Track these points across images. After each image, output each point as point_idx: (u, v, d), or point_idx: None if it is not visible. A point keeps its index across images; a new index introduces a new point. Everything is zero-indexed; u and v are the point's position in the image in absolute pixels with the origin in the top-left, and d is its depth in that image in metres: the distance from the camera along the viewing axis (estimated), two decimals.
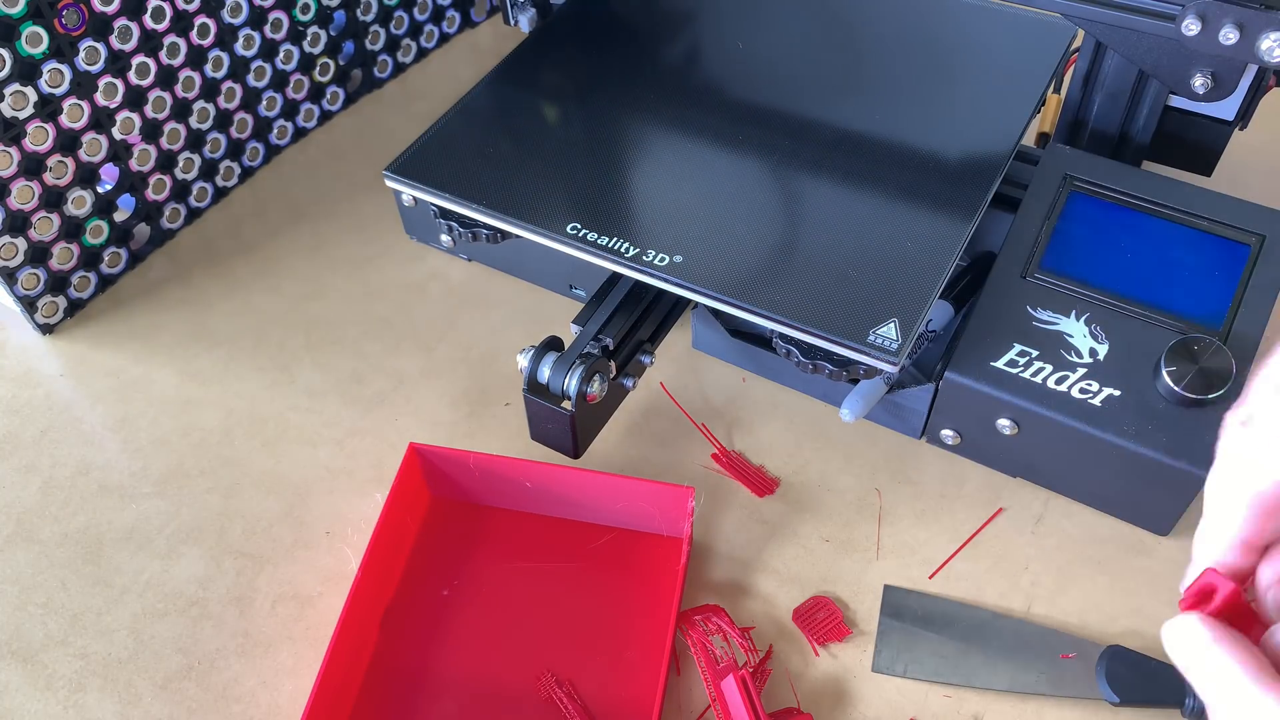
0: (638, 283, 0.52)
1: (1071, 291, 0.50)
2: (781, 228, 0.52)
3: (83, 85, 0.58)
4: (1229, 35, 0.45)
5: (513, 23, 0.66)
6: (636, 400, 0.56)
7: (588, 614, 0.48)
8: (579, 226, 0.52)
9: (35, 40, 0.55)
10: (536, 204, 0.53)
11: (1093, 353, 0.48)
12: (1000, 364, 0.49)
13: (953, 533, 0.51)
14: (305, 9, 0.69)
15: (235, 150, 0.69)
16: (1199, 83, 0.49)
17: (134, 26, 0.59)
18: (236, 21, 0.65)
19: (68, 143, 0.59)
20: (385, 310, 0.63)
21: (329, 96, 0.74)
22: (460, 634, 0.48)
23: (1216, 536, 0.32)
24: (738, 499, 0.52)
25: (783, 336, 0.49)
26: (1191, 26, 0.46)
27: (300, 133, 0.73)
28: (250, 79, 0.68)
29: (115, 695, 0.47)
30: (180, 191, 0.67)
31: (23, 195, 0.57)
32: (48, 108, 0.57)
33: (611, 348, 0.50)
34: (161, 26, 0.61)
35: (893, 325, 0.47)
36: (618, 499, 0.50)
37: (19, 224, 0.58)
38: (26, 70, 0.55)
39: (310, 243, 0.67)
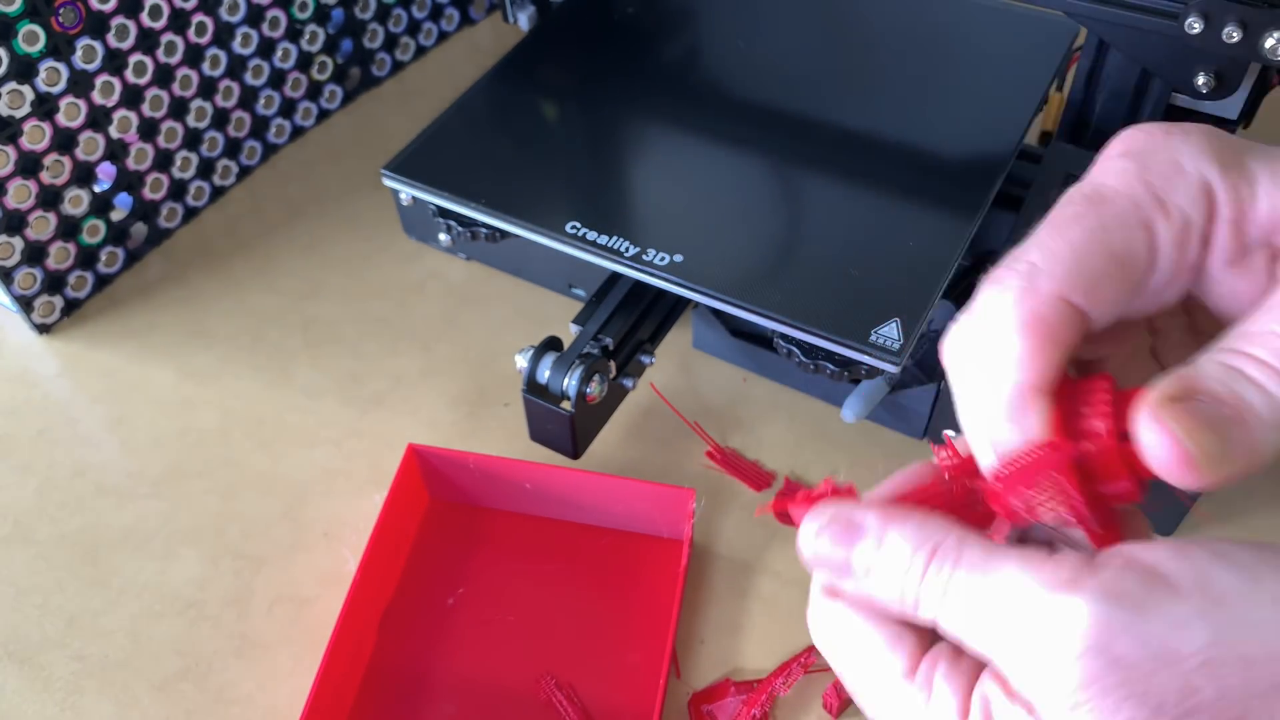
0: (638, 282, 0.52)
1: None
2: (783, 227, 0.52)
3: (80, 84, 0.58)
4: (1232, 34, 0.45)
5: (512, 20, 0.66)
6: (636, 401, 0.56)
7: (588, 617, 0.48)
8: (578, 225, 0.52)
9: (32, 38, 0.54)
10: (535, 203, 0.53)
11: None
12: None
13: None
14: (303, 7, 0.68)
15: (233, 149, 0.69)
16: (1202, 81, 0.49)
17: (131, 25, 0.59)
18: (234, 19, 0.65)
19: (64, 141, 0.58)
20: (383, 310, 0.62)
21: (327, 95, 0.74)
22: (459, 636, 0.48)
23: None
24: (738, 500, 0.52)
25: (784, 336, 0.49)
26: (1194, 25, 0.45)
27: (298, 131, 0.73)
28: (248, 77, 0.67)
29: (112, 697, 0.46)
30: (177, 190, 0.67)
31: (19, 194, 0.57)
32: (44, 106, 0.56)
33: (611, 348, 0.50)
34: (159, 24, 0.61)
35: (895, 325, 0.47)
36: (618, 501, 0.49)
37: (15, 223, 0.57)
38: (23, 69, 0.55)
39: (308, 242, 0.66)
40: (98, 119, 0.60)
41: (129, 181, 0.63)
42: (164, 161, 0.65)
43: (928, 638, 0.24)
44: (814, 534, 0.24)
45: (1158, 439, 0.21)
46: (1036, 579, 0.21)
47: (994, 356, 0.23)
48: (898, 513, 0.24)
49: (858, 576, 0.24)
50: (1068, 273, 0.23)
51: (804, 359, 0.48)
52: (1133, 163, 0.23)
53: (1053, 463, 0.22)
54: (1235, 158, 0.23)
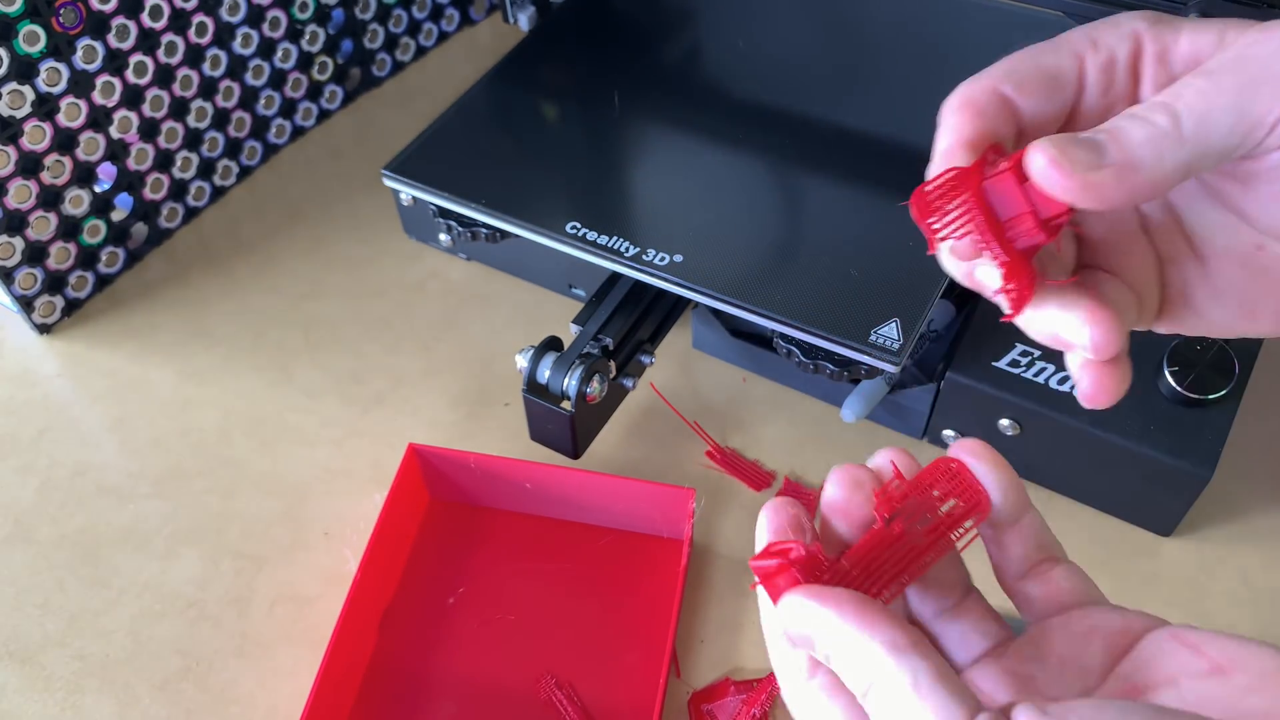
0: (638, 282, 0.52)
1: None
2: (782, 227, 0.52)
3: (80, 84, 0.58)
4: None
5: (512, 21, 0.66)
6: (636, 401, 0.56)
7: (588, 616, 0.48)
8: (578, 225, 0.52)
9: (33, 39, 0.54)
10: (536, 203, 0.53)
11: None
12: (1002, 364, 0.48)
13: None
14: (303, 7, 0.69)
15: (233, 149, 0.69)
16: None
17: (132, 25, 0.59)
18: (234, 20, 0.65)
19: (65, 142, 0.58)
20: (384, 310, 0.62)
21: (327, 95, 0.74)
22: (460, 636, 0.48)
23: (938, 147, 0.29)
24: (738, 500, 0.52)
25: (783, 336, 0.49)
26: None
27: (298, 131, 0.73)
28: (248, 77, 0.67)
29: (113, 696, 0.47)
30: (178, 190, 0.67)
31: (20, 194, 0.57)
32: (45, 106, 0.56)
33: (611, 348, 0.50)
34: (159, 25, 0.61)
35: (894, 325, 0.47)
36: (618, 500, 0.50)
37: (16, 223, 0.57)
38: (24, 69, 0.55)
39: (308, 242, 0.67)
40: (98, 119, 0.60)
41: (129, 182, 0.63)
42: (165, 162, 0.65)
43: None
44: (792, 618, 0.26)
45: (1037, 153, 0.25)
46: None
47: (940, 130, 0.29)
48: (869, 613, 0.24)
49: (826, 663, 0.25)
50: (1001, 72, 0.28)
51: (804, 359, 0.48)
52: (1083, 27, 0.29)
53: (962, 180, 0.26)
54: (1166, 17, 0.27)
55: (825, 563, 0.26)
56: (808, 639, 0.25)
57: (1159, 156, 0.24)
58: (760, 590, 0.27)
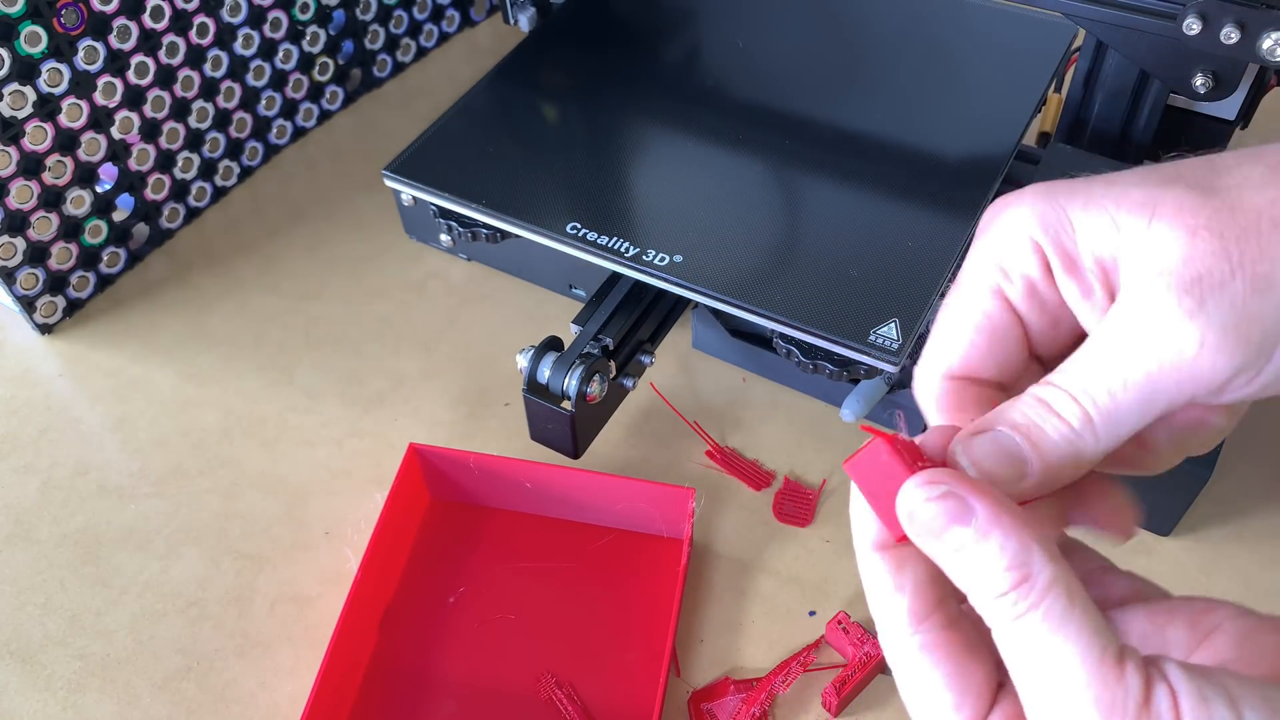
0: (638, 282, 0.52)
1: None
2: (782, 227, 0.52)
3: (81, 84, 0.58)
4: (1230, 35, 0.45)
5: (512, 22, 0.66)
6: (636, 400, 0.56)
7: (588, 615, 0.48)
8: (578, 226, 0.52)
9: (34, 39, 0.55)
10: (536, 203, 0.53)
11: None
12: None
13: None
14: (304, 8, 0.69)
15: (234, 150, 0.69)
16: (1200, 82, 0.49)
17: (133, 26, 0.59)
18: (236, 21, 0.65)
19: (66, 142, 0.58)
20: (385, 310, 0.62)
21: (328, 96, 0.74)
22: (460, 635, 0.48)
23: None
24: (738, 500, 0.52)
25: (783, 336, 0.49)
26: (1193, 26, 0.45)
27: (299, 132, 0.73)
28: (249, 78, 0.68)
29: (114, 696, 0.47)
30: (179, 191, 0.67)
31: (21, 195, 0.57)
32: (46, 107, 0.57)
33: (611, 348, 0.50)
34: (160, 26, 0.61)
35: (893, 325, 0.47)
36: (618, 500, 0.50)
37: (18, 224, 0.58)
38: (25, 69, 0.55)
39: (309, 242, 0.67)
40: (100, 120, 0.60)
41: (131, 182, 0.63)
42: (166, 162, 0.65)
43: (991, 690, 0.24)
44: (924, 496, 0.24)
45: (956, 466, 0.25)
46: (1091, 686, 0.21)
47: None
48: (1008, 514, 0.24)
49: (944, 548, 0.24)
50: (949, 365, 0.28)
51: (803, 359, 0.49)
52: (983, 242, 0.27)
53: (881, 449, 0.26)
54: (1056, 213, 0.26)
55: (927, 461, 0.26)
56: (939, 526, 0.24)
57: (1077, 457, 0.25)
58: (856, 499, 0.26)
